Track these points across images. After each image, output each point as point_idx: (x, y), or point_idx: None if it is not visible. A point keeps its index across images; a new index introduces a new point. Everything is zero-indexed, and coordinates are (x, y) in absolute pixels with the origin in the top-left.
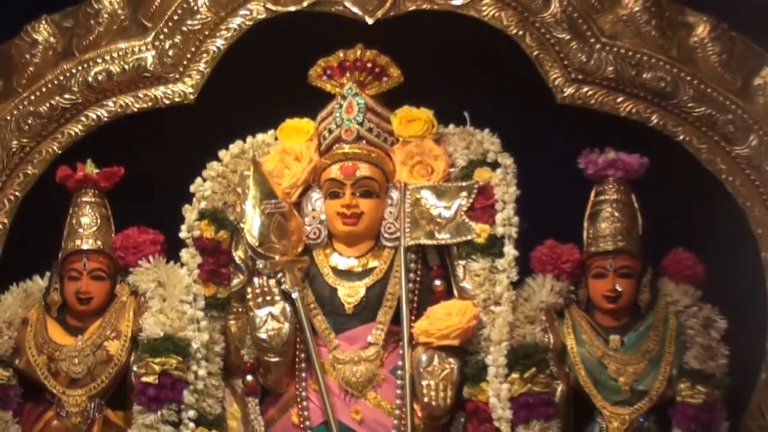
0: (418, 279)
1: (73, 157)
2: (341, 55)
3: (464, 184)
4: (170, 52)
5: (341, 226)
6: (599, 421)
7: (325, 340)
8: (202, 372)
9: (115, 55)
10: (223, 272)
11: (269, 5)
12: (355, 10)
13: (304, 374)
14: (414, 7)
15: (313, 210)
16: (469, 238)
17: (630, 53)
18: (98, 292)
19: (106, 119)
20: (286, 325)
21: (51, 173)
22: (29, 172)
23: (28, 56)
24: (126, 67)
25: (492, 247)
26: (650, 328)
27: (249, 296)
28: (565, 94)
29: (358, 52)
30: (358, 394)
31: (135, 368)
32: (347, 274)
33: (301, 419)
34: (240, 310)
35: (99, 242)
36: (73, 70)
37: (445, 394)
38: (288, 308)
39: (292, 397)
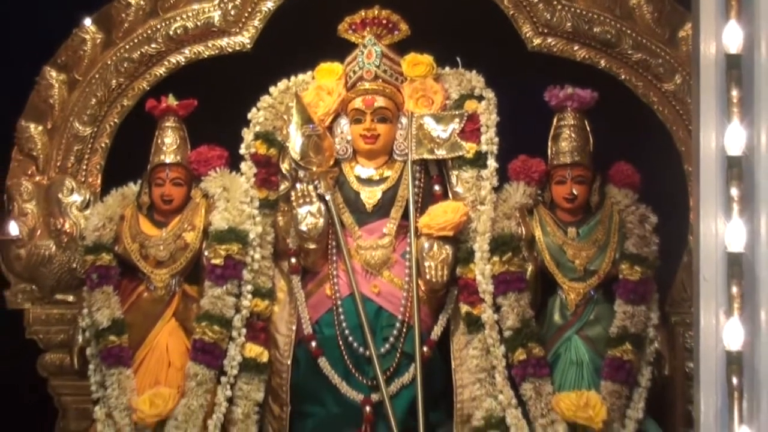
0: (421, 185)
1: (158, 92)
2: (363, 13)
3: (457, 112)
4: (232, 12)
5: (363, 145)
6: (560, 293)
7: (350, 232)
8: (257, 256)
9: (190, 14)
10: (273, 180)
11: None
12: None
13: (335, 257)
14: None
15: (342, 132)
16: (460, 153)
17: (584, 12)
18: (178, 195)
19: (183, 63)
20: (321, 220)
21: (141, 105)
22: (125, 103)
23: (123, 15)
24: (198, 23)
25: (478, 161)
26: (599, 223)
27: (293, 198)
28: (534, 44)
29: (376, 11)
30: (376, 272)
31: (206, 253)
32: (368, 181)
33: (333, 292)
34: (286, 208)
35: (178, 157)
36: (158, 26)
37: (442, 272)
38: (322, 207)
39: (325, 275)
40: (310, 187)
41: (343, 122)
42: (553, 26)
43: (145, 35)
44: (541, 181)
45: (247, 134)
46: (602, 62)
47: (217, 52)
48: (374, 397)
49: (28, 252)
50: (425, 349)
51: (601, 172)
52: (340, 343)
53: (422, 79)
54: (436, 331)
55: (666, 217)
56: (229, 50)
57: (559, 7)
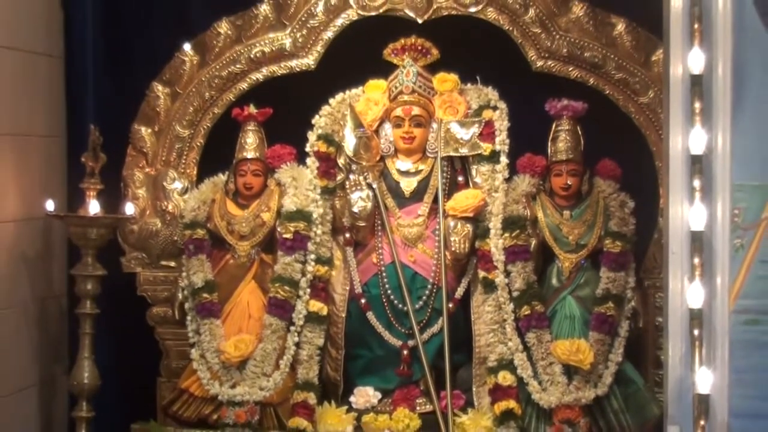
0: (448, 176)
1: (241, 102)
2: (402, 41)
3: (476, 119)
4: (300, 40)
5: (402, 145)
6: (557, 262)
7: (392, 213)
8: (319, 231)
9: (266, 41)
10: (332, 172)
11: (360, 11)
12: (410, 13)
13: (379, 233)
14: (446, 13)
15: (386, 134)
16: (479, 152)
17: (577, 41)
18: (257, 183)
19: (261, 79)
20: (370, 203)
21: (228, 112)
22: (215, 111)
23: (215, 42)
24: (273, 48)
25: (493, 157)
26: (588, 207)
27: (347, 186)
28: (537, 66)
29: (413, 39)
30: (412, 245)
31: (279, 229)
32: (406, 173)
33: (378, 260)
34: (342, 194)
35: (257, 153)
36: (241, 50)
37: (465, 245)
38: (370, 194)
39: (372, 247)
40: (361, 178)
41: (387, 126)
42: (553, 51)
43: (231, 57)
44: (543, 174)
45: (312, 136)
46: (591, 80)
47: (287, 71)
48: (410, 342)
49: (140, 227)
50: (451, 305)
51: (590, 167)
52: (384, 300)
53: (449, 93)
54: (459, 292)
55: (641, 203)
56: (297, 69)
57: (557, 36)
